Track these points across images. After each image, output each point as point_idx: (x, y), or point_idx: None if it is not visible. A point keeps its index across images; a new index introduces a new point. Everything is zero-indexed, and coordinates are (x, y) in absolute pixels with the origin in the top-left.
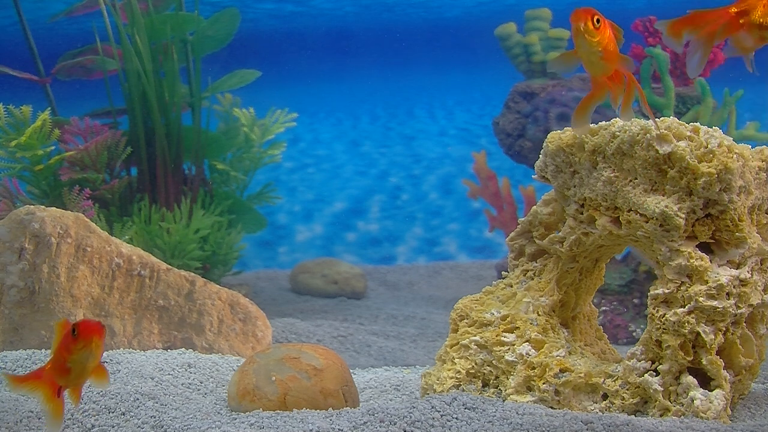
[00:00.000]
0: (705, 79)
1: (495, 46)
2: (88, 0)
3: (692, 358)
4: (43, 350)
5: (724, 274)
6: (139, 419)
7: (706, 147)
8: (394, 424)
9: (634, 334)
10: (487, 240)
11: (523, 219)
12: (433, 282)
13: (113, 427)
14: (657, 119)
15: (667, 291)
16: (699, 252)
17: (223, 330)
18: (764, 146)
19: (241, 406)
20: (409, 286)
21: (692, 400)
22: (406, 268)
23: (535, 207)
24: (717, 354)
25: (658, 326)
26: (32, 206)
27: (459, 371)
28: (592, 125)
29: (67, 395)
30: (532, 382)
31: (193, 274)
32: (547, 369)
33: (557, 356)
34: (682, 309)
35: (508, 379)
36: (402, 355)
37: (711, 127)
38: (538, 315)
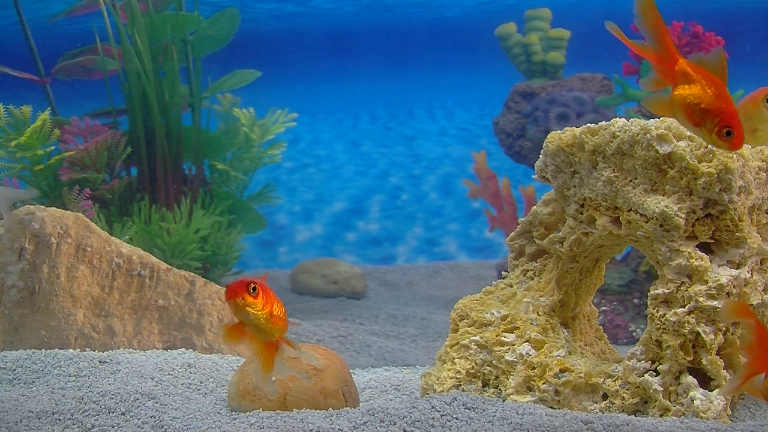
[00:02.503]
0: None
1: (495, 46)
2: (88, 0)
3: (692, 358)
4: (43, 350)
5: (724, 274)
6: (139, 419)
7: (706, 147)
8: (394, 424)
9: (634, 334)
10: (487, 240)
11: (523, 219)
12: (433, 282)
13: (113, 427)
14: (657, 119)
15: (667, 291)
16: (699, 252)
17: None
18: (764, 146)
19: (241, 406)
20: (409, 286)
21: (692, 400)
22: (406, 268)
23: (535, 207)
24: (717, 354)
25: (658, 326)
26: (32, 206)
27: (459, 371)
28: (591, 125)
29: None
30: (532, 382)
31: (193, 274)
32: (547, 369)
33: (557, 356)
34: (682, 309)
35: (508, 379)
36: (402, 355)
37: None
38: (538, 315)
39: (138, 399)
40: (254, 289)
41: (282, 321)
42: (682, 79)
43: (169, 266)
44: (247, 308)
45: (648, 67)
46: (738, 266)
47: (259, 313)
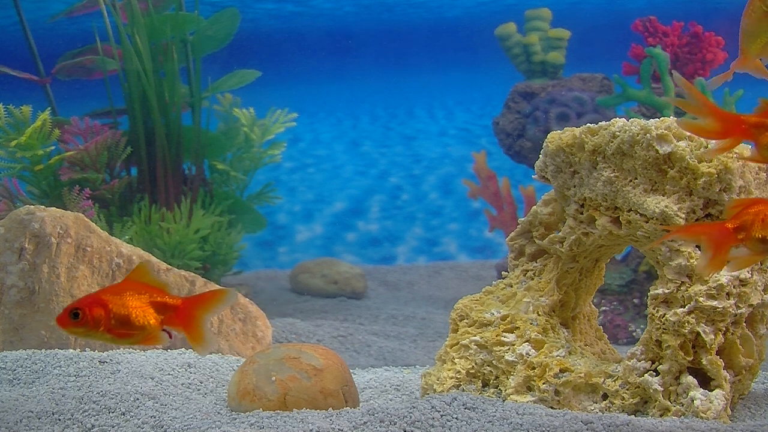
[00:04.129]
0: (705, 79)
1: (495, 46)
2: (88, 0)
3: (692, 358)
4: (43, 350)
5: (724, 274)
6: (139, 419)
7: (706, 147)
8: (394, 424)
9: (634, 334)
10: (487, 240)
11: (523, 219)
12: (433, 282)
13: (113, 427)
14: (657, 119)
15: (667, 291)
16: (699, 252)
17: (223, 330)
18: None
19: (241, 406)
20: (409, 286)
21: (692, 400)
22: (406, 268)
23: (535, 207)
24: (717, 354)
25: (658, 326)
26: (32, 206)
27: (459, 371)
28: (591, 125)
29: None
30: (532, 382)
31: (193, 274)
32: (547, 369)
33: (557, 356)
34: (682, 309)
35: (508, 379)
36: (402, 355)
37: None
38: (538, 315)
39: (138, 399)
40: (76, 315)
41: (134, 330)
42: (758, 131)
43: (169, 266)
44: (76, 334)
45: (648, 66)
46: None
47: (90, 334)
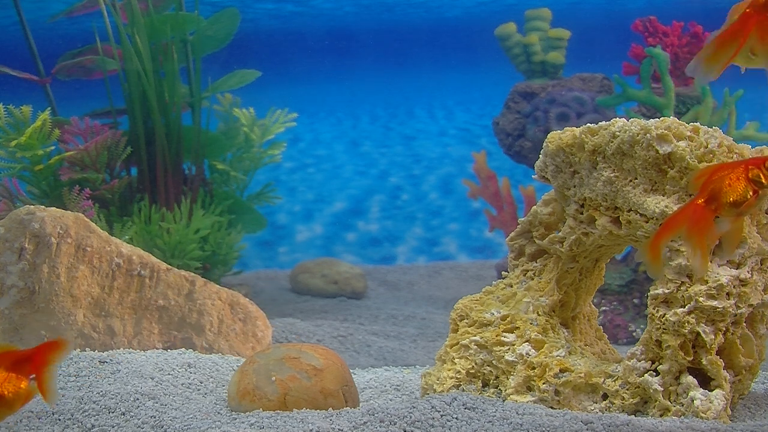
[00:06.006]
0: None
1: (495, 46)
2: (88, 0)
3: (692, 358)
4: None
5: (724, 274)
6: (139, 419)
7: (706, 147)
8: (394, 424)
9: (634, 334)
10: (487, 240)
11: (523, 219)
12: (433, 282)
13: (113, 427)
14: (657, 119)
15: (667, 291)
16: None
17: (223, 330)
18: (764, 146)
19: (241, 406)
20: (409, 286)
21: (692, 400)
22: (406, 268)
23: (535, 207)
24: (717, 354)
25: (658, 326)
26: (32, 206)
27: (459, 371)
28: (591, 125)
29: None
30: (532, 382)
31: (193, 274)
32: (547, 369)
33: (557, 356)
34: (682, 309)
35: (508, 379)
36: (402, 355)
37: (711, 127)
38: (538, 315)
39: (138, 399)
40: None
41: (12, 400)
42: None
43: (169, 266)
44: None
45: (648, 66)
46: (738, 266)
47: None
